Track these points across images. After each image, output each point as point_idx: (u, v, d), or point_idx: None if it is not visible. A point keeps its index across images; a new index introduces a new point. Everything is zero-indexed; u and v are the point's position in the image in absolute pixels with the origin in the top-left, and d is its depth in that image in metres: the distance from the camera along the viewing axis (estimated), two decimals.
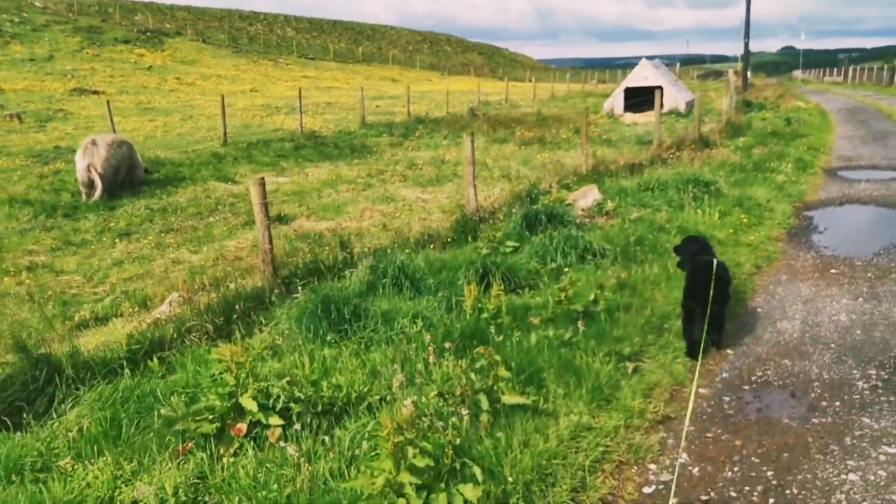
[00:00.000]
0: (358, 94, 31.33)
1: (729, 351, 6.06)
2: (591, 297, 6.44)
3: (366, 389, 4.86)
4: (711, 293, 5.49)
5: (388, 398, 4.73)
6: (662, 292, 7.08)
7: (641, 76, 30.59)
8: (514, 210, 10.74)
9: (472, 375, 4.60)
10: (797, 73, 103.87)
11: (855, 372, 5.50)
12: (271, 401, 4.45)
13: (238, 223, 12.71)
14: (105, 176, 14.59)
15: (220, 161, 19.17)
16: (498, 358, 4.62)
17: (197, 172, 17.52)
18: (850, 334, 6.30)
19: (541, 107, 37.11)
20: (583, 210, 10.54)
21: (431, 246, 9.39)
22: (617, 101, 31.07)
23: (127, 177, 15.62)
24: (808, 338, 6.28)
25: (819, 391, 5.20)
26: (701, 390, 5.30)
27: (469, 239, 9.62)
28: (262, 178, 7.56)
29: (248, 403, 4.33)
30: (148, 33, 66.73)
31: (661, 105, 17.71)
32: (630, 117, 29.52)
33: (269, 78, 57.00)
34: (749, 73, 49.89)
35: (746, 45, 44.59)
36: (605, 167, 14.18)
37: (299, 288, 6.85)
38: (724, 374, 5.62)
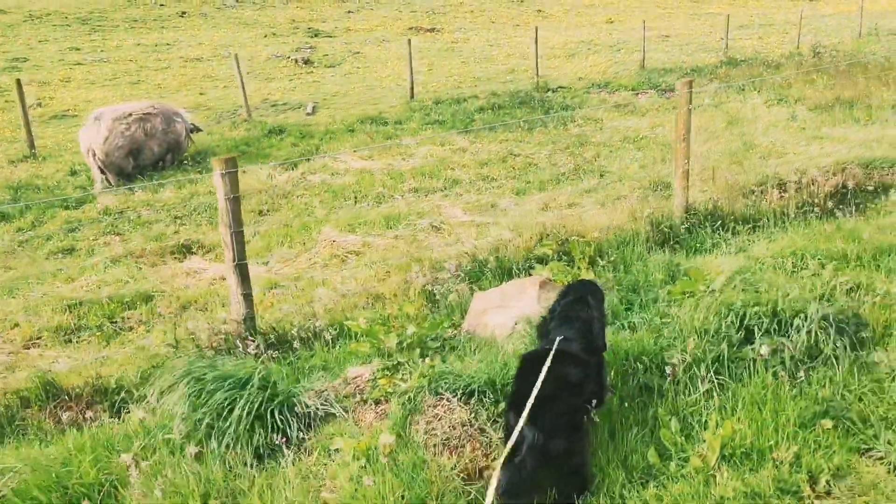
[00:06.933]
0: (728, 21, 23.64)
1: None
2: None
3: None
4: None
5: None
6: None
7: None
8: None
9: None
10: None
11: None
12: None
13: (156, 247, 9.05)
14: (110, 161, 11.42)
15: (354, 129, 15.34)
16: None
17: (293, 147, 14.00)
18: None
19: None
20: (369, 375, 4.09)
21: None
22: None
23: (168, 154, 12.57)
24: None
25: None
26: None
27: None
28: None
29: None
30: None
31: None
32: None
33: (657, 3, 49.64)
34: None
35: None
36: (746, 201, 6.74)
37: None
38: None
